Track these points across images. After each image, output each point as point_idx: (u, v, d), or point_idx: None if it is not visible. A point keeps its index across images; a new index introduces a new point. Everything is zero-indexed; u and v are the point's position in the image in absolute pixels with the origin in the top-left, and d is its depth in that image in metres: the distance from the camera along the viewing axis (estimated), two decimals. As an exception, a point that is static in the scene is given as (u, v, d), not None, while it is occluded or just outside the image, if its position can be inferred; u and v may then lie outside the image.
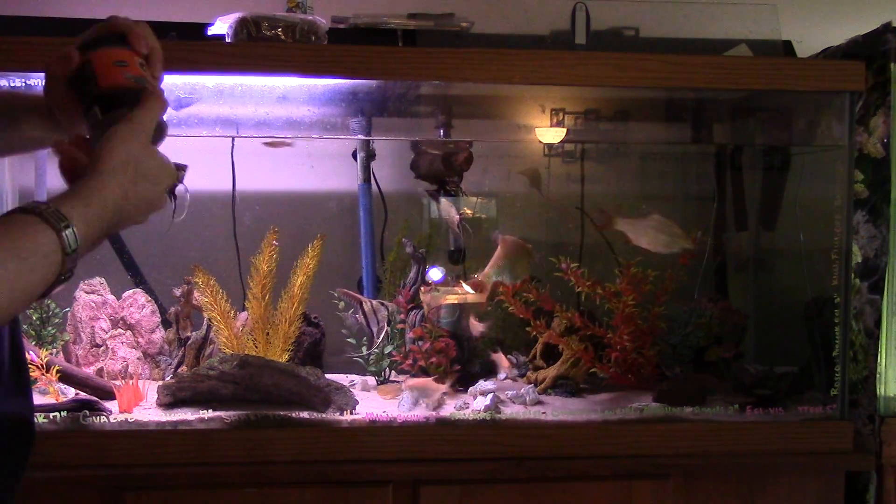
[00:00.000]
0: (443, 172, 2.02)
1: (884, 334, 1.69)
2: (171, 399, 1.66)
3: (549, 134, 1.90)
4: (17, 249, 0.73)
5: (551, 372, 1.86)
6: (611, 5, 1.83)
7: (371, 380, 1.93)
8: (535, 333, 1.88)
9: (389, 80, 1.65)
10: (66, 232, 0.77)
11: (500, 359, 1.88)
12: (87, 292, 1.90)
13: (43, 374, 1.68)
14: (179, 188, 1.00)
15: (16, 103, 1.06)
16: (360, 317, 1.82)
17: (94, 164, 0.85)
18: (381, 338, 1.82)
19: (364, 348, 1.92)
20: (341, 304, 1.94)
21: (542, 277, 1.99)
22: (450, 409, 1.69)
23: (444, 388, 1.72)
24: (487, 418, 1.66)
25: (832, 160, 1.75)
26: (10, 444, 0.88)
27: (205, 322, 1.87)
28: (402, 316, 1.92)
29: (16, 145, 1.11)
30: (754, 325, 2.08)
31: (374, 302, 1.83)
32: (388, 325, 1.84)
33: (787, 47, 1.95)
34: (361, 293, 2.05)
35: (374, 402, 1.75)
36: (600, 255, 1.93)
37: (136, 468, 1.53)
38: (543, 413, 1.69)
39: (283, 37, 1.59)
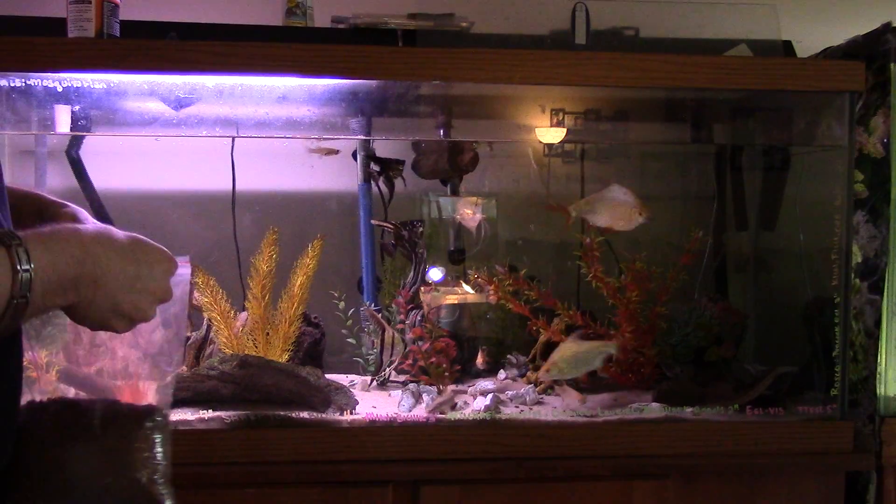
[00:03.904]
0: (446, 172, 2.03)
1: (884, 334, 1.69)
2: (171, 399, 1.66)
3: (549, 134, 1.90)
4: None
5: (551, 372, 1.85)
6: (611, 5, 1.83)
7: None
8: (534, 328, 1.88)
9: (389, 80, 1.65)
10: (18, 249, 0.73)
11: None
12: (87, 292, 1.90)
13: (43, 374, 1.67)
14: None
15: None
16: (377, 341, 1.84)
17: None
18: (387, 369, 1.85)
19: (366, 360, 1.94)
20: (341, 305, 1.94)
21: (541, 277, 1.99)
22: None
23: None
24: (487, 418, 1.66)
25: (832, 160, 1.75)
26: None
27: (205, 322, 1.86)
28: (402, 316, 1.92)
29: None
30: (754, 325, 2.08)
31: (395, 334, 1.85)
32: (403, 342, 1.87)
33: (787, 47, 1.95)
34: (361, 293, 2.05)
35: (373, 402, 1.75)
36: (602, 256, 1.92)
37: (136, 468, 1.53)
38: (545, 405, 1.69)
39: None
